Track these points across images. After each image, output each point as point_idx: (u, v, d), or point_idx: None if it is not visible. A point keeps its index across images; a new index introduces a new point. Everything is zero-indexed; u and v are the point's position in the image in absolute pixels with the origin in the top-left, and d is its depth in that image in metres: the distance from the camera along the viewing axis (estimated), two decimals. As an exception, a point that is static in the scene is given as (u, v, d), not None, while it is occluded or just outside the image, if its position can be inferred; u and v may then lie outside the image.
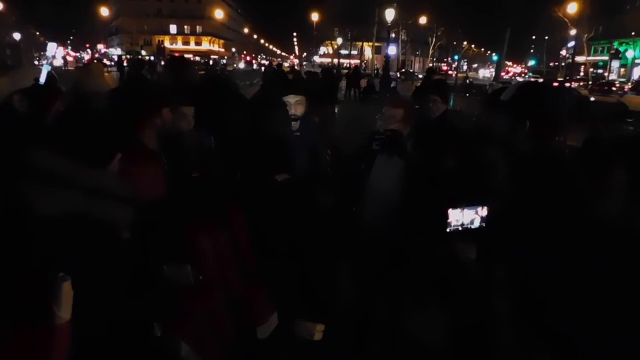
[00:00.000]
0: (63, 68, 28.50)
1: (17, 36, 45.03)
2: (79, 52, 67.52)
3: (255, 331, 1.84)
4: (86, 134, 1.48)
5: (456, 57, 44.90)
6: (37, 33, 61.24)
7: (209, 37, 74.99)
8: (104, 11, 55.58)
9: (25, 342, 1.14)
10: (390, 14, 25.02)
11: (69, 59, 40.13)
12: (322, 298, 2.19)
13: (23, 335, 1.14)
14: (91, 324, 1.26)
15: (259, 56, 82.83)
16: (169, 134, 2.12)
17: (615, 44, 44.33)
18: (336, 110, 14.67)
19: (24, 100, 2.13)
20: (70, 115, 2.00)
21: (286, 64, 46.09)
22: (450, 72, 40.16)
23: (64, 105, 2.19)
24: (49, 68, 2.34)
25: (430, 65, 41.48)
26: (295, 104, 2.64)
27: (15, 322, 1.15)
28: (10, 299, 1.18)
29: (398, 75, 33.84)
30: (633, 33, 42.21)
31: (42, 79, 2.23)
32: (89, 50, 68.94)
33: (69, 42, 72.04)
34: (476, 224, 1.70)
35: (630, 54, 43.54)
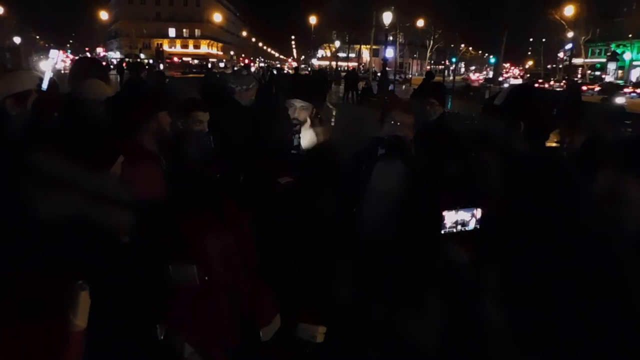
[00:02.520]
0: (62, 72, 28.44)
1: (17, 40, 45.08)
2: (78, 55, 67.49)
3: (258, 332, 1.85)
4: (88, 137, 1.50)
5: (454, 60, 44.81)
6: (37, 37, 61.27)
7: (208, 41, 75.02)
8: (103, 15, 55.71)
9: (41, 347, 1.14)
10: (387, 17, 25.13)
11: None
12: (323, 300, 2.21)
13: (37, 340, 1.14)
14: (93, 327, 1.27)
15: (257, 59, 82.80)
16: (169, 136, 2.13)
17: (613, 46, 44.42)
18: (334, 113, 14.72)
19: (15, 104, 2.14)
20: (71, 119, 2.02)
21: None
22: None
23: (59, 110, 2.20)
24: (51, 74, 2.36)
25: (429, 67, 41.55)
26: (300, 108, 2.61)
27: (17, 320, 1.16)
28: (14, 298, 1.19)
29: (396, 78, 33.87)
30: (630, 35, 42.33)
31: (45, 85, 2.25)
32: (88, 53, 68.94)
33: (68, 45, 72.04)
34: (471, 225, 1.72)
35: (627, 55, 43.62)
